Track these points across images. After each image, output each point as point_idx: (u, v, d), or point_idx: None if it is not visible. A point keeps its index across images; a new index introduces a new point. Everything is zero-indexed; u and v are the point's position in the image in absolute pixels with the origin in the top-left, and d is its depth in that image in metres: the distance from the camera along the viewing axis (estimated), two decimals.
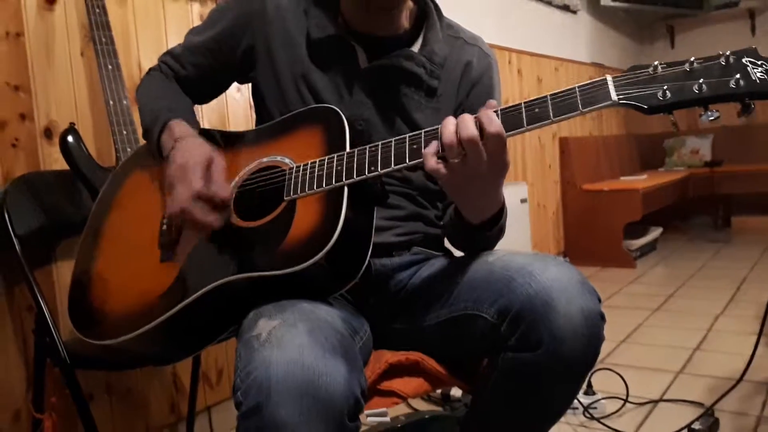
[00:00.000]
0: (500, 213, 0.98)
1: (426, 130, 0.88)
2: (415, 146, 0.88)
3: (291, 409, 0.70)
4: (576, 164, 4.18)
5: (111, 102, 1.51)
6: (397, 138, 0.90)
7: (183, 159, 0.95)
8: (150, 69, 1.20)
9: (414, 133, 0.89)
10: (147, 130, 1.09)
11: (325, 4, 1.09)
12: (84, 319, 1.00)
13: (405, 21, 1.10)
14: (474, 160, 0.83)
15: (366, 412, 0.85)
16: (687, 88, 0.77)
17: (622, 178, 4.61)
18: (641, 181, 4.27)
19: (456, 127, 0.83)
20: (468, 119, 0.83)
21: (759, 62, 0.76)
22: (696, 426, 1.66)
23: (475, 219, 0.97)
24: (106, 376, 1.65)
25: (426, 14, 1.12)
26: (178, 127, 1.03)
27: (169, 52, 1.19)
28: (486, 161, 0.84)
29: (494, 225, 0.98)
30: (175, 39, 1.83)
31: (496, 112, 0.84)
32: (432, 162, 0.85)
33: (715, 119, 0.77)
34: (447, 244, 1.21)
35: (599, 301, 0.89)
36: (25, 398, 1.48)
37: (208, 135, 1.08)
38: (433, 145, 0.85)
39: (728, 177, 4.79)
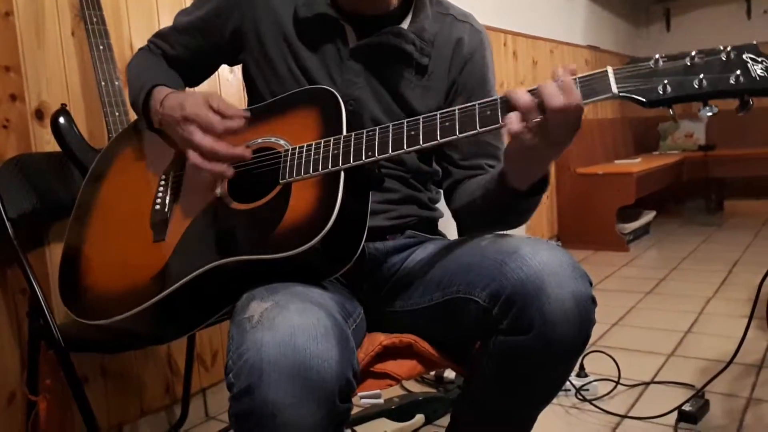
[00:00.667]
0: (545, 178, 0.96)
1: (424, 116, 0.88)
2: (413, 133, 0.87)
3: (282, 391, 0.70)
4: (570, 148, 4.16)
5: (102, 83, 1.49)
6: (394, 123, 0.89)
7: (182, 111, 0.95)
8: (140, 48, 1.20)
9: (412, 118, 0.89)
10: (134, 102, 1.08)
11: None
12: (75, 299, 1.00)
13: None
14: (555, 129, 0.82)
15: (360, 393, 0.85)
16: (687, 83, 0.77)
17: (616, 161, 4.61)
18: (635, 164, 4.28)
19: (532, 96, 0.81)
20: (553, 88, 0.80)
21: (759, 59, 0.76)
22: (686, 408, 1.68)
23: (524, 185, 0.94)
24: (101, 358, 1.65)
25: None
26: (161, 90, 1.03)
27: (158, 33, 1.18)
28: (564, 127, 0.83)
29: (541, 190, 0.96)
30: (166, 17, 1.81)
31: (494, 102, 0.83)
32: (516, 123, 0.82)
33: (713, 114, 0.78)
34: (439, 226, 1.21)
35: (590, 284, 0.89)
36: (20, 381, 1.49)
37: None
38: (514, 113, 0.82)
39: (722, 161, 4.81)
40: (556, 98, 0.80)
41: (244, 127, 0.95)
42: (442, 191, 1.20)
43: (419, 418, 1.72)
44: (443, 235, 1.19)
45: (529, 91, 0.82)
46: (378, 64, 1.07)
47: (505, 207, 1.00)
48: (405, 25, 1.08)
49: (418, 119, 0.88)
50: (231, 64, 1.18)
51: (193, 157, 0.93)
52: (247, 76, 1.14)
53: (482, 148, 1.11)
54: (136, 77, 1.10)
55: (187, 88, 1.16)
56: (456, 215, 1.13)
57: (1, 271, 1.47)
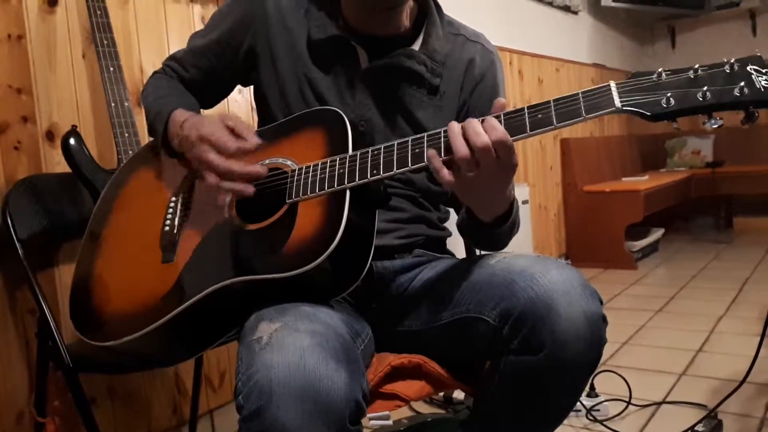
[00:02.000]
0: (510, 209, 0.97)
1: (429, 133, 0.88)
2: (417, 150, 0.87)
3: (292, 413, 0.70)
4: (577, 165, 4.17)
5: (113, 104, 1.51)
6: (399, 141, 0.90)
7: (198, 132, 0.96)
8: (154, 72, 1.20)
9: (416, 136, 0.89)
10: (152, 125, 1.09)
11: (325, 5, 1.09)
12: (86, 321, 1.00)
13: (405, 20, 1.10)
14: (487, 167, 0.83)
15: (368, 415, 0.84)
16: (691, 96, 0.77)
17: (623, 179, 4.60)
18: (643, 182, 4.26)
19: (465, 136, 0.83)
20: (477, 126, 0.82)
21: (764, 70, 0.75)
22: (699, 428, 1.66)
23: (488, 217, 0.96)
24: (109, 379, 1.64)
25: (426, 12, 1.12)
26: (181, 114, 1.03)
27: (172, 56, 1.19)
28: (496, 167, 0.83)
29: (506, 220, 0.97)
30: (176, 40, 1.83)
31: (498, 117, 0.84)
32: (445, 174, 0.84)
33: (718, 126, 0.77)
34: (448, 245, 1.20)
35: (601, 303, 0.89)
36: (28, 402, 1.48)
37: None
38: (437, 158, 0.84)
39: (730, 178, 4.78)
40: (481, 137, 0.81)
41: (257, 147, 0.96)
42: (450, 210, 1.19)
43: None
44: (452, 254, 1.19)
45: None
46: (390, 85, 1.07)
47: (483, 235, 1.03)
48: (416, 46, 1.09)
49: (423, 137, 0.88)
50: (245, 85, 1.19)
51: (209, 177, 0.94)
52: (258, 96, 1.15)
53: None
54: (153, 101, 1.11)
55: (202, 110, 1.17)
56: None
57: (10, 292, 1.47)
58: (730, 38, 5.19)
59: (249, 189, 0.93)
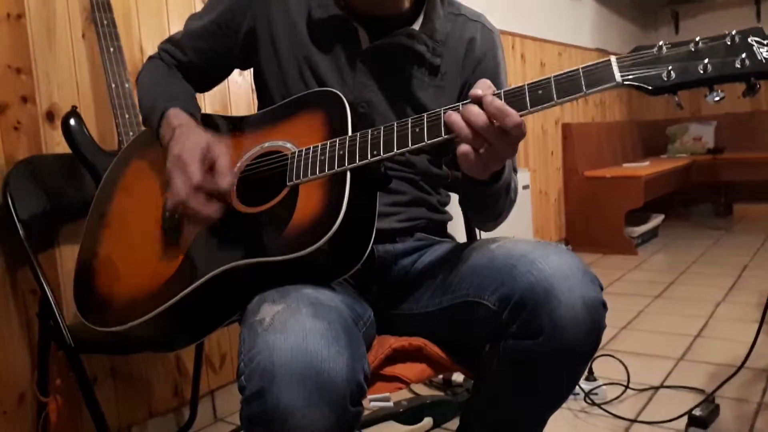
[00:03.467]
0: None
1: (428, 113, 0.87)
2: (417, 129, 0.87)
3: (294, 394, 0.70)
4: (578, 151, 4.16)
5: (113, 85, 1.50)
6: (399, 121, 0.89)
7: (179, 149, 0.94)
8: (150, 56, 1.19)
9: (416, 116, 0.88)
10: (146, 118, 1.08)
11: None
12: (90, 306, 1.00)
13: (406, 0, 1.09)
14: (499, 145, 0.83)
15: (369, 396, 0.85)
16: (692, 68, 0.76)
17: (624, 164, 4.60)
18: (643, 168, 4.26)
19: (469, 124, 0.82)
20: (482, 115, 0.81)
21: (765, 41, 0.74)
22: (696, 412, 1.67)
23: (485, 176, 0.93)
24: (110, 359, 1.65)
25: None
26: (176, 115, 1.01)
27: (170, 39, 1.18)
28: (507, 143, 0.83)
29: (500, 176, 0.96)
30: (176, 20, 1.82)
31: (499, 95, 0.83)
32: (471, 156, 0.83)
33: (720, 99, 0.76)
34: (448, 229, 1.21)
35: (601, 289, 0.89)
36: (30, 381, 1.49)
37: (209, 120, 1.07)
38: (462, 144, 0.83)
39: (731, 164, 4.77)
40: (482, 116, 0.80)
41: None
42: (451, 194, 1.19)
43: (428, 421, 1.72)
44: (452, 238, 1.19)
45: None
46: (390, 65, 1.07)
47: (479, 194, 1.00)
48: (417, 26, 1.08)
49: (423, 116, 0.87)
50: (244, 68, 1.17)
51: (172, 194, 0.92)
52: (258, 78, 1.14)
53: None
54: (147, 91, 1.10)
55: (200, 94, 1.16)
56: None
57: (11, 272, 1.47)
58: (734, 23, 5.10)
59: (211, 214, 0.91)
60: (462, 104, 0.84)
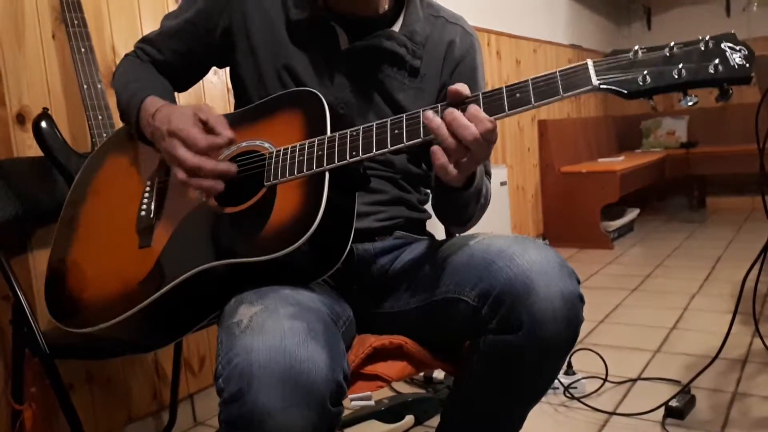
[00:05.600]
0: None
1: (407, 114, 0.87)
2: (396, 131, 0.87)
3: (273, 395, 0.70)
4: (555, 147, 4.20)
5: (85, 86, 1.48)
6: (378, 122, 0.89)
7: (168, 126, 0.93)
8: (126, 55, 1.17)
9: (395, 117, 0.88)
10: (124, 111, 1.07)
11: None
12: (62, 308, 0.99)
13: (385, 1, 1.09)
14: (476, 151, 0.83)
15: (350, 395, 0.85)
16: (667, 74, 0.77)
17: (599, 159, 4.64)
18: (618, 162, 4.31)
19: (450, 129, 0.82)
20: (461, 119, 0.82)
21: (737, 47, 0.76)
22: (673, 403, 1.70)
23: (458, 183, 0.95)
24: (87, 365, 1.63)
25: None
26: (152, 103, 1.00)
27: (145, 38, 1.16)
28: (483, 149, 0.84)
29: (472, 182, 0.96)
30: (149, 19, 1.79)
31: (477, 97, 0.84)
32: (452, 170, 0.84)
33: (693, 104, 0.78)
34: (427, 226, 1.21)
35: (579, 283, 0.90)
36: (4, 389, 1.46)
37: None
38: (443, 154, 0.84)
39: (703, 158, 4.86)
40: (470, 129, 0.81)
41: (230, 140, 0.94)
42: (429, 192, 1.19)
43: (409, 419, 1.72)
44: (431, 236, 1.19)
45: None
46: (369, 66, 1.06)
47: (451, 199, 1.01)
48: (396, 27, 1.08)
49: (402, 117, 0.87)
50: (221, 66, 1.16)
51: (178, 173, 0.92)
52: (234, 77, 1.13)
53: None
54: (124, 86, 1.08)
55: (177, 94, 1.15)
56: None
57: None
58: (704, 18, 5.24)
59: (218, 186, 0.91)
60: (441, 105, 0.85)
